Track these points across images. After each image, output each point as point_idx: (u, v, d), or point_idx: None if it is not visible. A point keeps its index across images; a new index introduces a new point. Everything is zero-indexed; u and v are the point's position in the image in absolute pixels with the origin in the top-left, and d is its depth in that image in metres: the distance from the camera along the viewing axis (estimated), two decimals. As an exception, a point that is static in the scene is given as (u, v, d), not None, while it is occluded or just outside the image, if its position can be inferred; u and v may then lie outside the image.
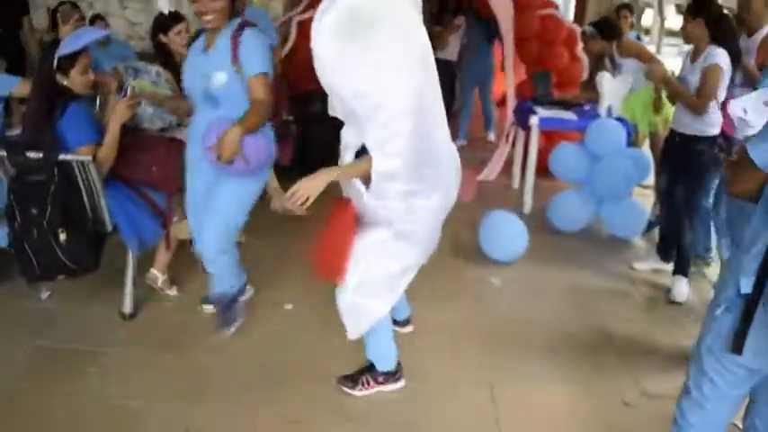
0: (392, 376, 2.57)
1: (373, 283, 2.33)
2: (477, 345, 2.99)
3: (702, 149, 3.41)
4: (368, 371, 2.57)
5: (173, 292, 3.21)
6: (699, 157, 3.42)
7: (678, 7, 21.57)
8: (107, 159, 2.73)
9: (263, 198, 4.43)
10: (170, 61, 3.37)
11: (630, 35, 5.18)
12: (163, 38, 3.37)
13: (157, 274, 3.14)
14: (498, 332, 3.11)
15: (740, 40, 3.16)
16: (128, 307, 2.99)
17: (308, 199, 2.08)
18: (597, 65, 4.67)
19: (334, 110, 2.26)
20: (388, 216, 2.24)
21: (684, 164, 3.50)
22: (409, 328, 3.00)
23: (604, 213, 4.40)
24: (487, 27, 6.36)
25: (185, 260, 3.46)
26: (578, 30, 5.43)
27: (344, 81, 2.04)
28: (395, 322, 2.94)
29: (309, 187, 2.10)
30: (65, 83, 2.69)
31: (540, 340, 3.05)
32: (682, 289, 3.56)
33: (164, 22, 3.37)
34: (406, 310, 2.99)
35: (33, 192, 2.58)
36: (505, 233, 3.95)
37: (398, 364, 2.60)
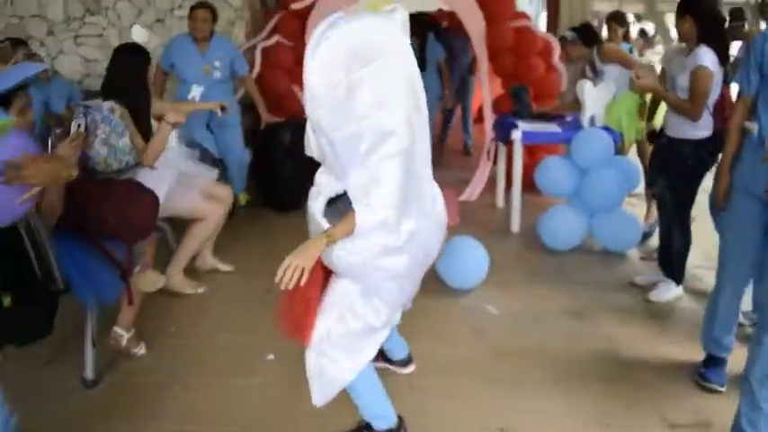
0: (394, 432, 2.28)
1: (334, 343, 2.10)
2: (482, 383, 2.72)
3: (687, 153, 3.28)
4: (366, 429, 2.27)
5: (141, 350, 2.89)
6: (685, 161, 3.29)
7: (637, 16, 22.03)
8: (53, 210, 2.43)
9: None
10: (145, 98, 3.15)
11: (623, 47, 5.00)
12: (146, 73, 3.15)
13: (122, 333, 2.82)
14: (503, 367, 2.84)
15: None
16: (90, 372, 2.66)
17: (303, 272, 1.88)
18: (578, 72, 4.50)
19: (310, 149, 2.03)
20: (361, 272, 2.03)
21: (671, 167, 3.38)
22: (410, 368, 2.73)
23: (596, 227, 4.21)
24: (444, 45, 6.21)
25: (158, 311, 3.17)
26: (553, 40, 5.27)
27: (334, 117, 1.84)
28: (392, 362, 2.69)
29: (303, 260, 1.89)
30: None
31: (549, 372, 2.80)
32: (665, 293, 3.49)
33: (148, 56, 3.21)
34: (404, 348, 2.72)
35: (-31, 251, 2.26)
36: (465, 259, 3.61)
37: (399, 418, 2.30)
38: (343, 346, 2.11)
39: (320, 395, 2.15)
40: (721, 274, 2.69)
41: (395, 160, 1.89)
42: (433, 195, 2.14)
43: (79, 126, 2.60)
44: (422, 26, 5.90)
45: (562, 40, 4.65)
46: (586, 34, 4.44)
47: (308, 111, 1.85)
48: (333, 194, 2.01)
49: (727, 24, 3.07)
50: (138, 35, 3.21)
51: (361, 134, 1.85)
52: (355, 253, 1.98)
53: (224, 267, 3.77)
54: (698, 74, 3.12)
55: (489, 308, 3.40)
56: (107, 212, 2.58)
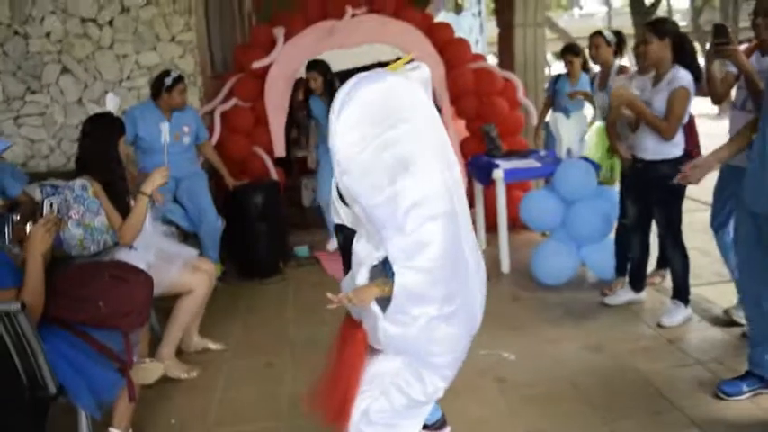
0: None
1: (373, 421, 1.93)
2: (522, 436, 2.53)
3: (668, 173, 3.27)
4: None
5: (141, 451, 2.57)
6: (665, 181, 3.29)
7: (556, 54, 23.09)
8: (34, 305, 2.13)
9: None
10: (121, 172, 2.89)
11: (582, 78, 5.03)
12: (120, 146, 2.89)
13: (119, 434, 2.49)
14: (539, 416, 2.66)
15: (753, 59, 3.04)
16: (89, 486, 2.32)
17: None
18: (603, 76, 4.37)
19: (339, 217, 1.94)
20: (410, 345, 1.89)
21: (653, 190, 3.36)
22: (446, 431, 2.51)
23: (587, 258, 4.15)
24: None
25: (150, 402, 2.85)
26: (514, 79, 5.31)
27: (363, 182, 1.72)
28: (427, 427, 2.46)
29: (359, 298, 1.83)
30: None
31: (593, 418, 2.63)
32: (675, 315, 3.43)
33: (120, 127, 2.93)
34: (437, 409, 2.50)
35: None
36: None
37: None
38: (383, 424, 1.93)
39: None
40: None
41: (436, 223, 1.79)
42: (477, 261, 2.02)
43: (51, 205, 2.32)
44: None
45: (598, 35, 4.32)
46: (621, 42, 4.32)
47: (337, 177, 1.73)
48: (375, 263, 1.87)
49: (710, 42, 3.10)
50: (112, 104, 2.96)
51: (396, 198, 1.75)
52: (401, 323, 1.83)
53: (214, 346, 3.47)
54: (679, 95, 3.16)
55: (506, 355, 3.23)
56: (97, 296, 2.29)
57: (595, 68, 4.63)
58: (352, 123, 1.67)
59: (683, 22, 17.43)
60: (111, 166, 2.82)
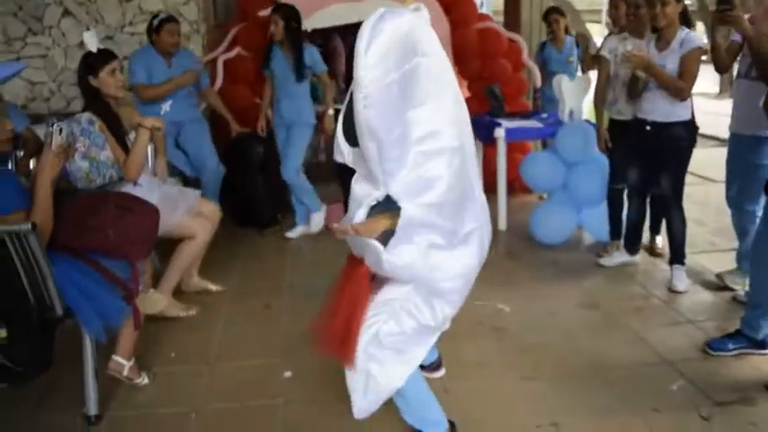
0: (449, 440, 2.12)
1: (383, 344, 1.94)
2: (516, 382, 2.60)
3: (681, 134, 3.34)
4: (420, 437, 2.11)
5: (143, 380, 2.61)
6: (679, 143, 3.33)
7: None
8: (44, 227, 2.16)
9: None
10: (103, 107, 2.83)
11: (567, 39, 5.08)
12: (93, 81, 2.82)
13: (123, 362, 2.53)
14: (533, 363, 2.73)
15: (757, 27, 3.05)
16: (92, 408, 2.36)
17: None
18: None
19: (341, 155, 1.92)
20: (413, 275, 1.92)
21: (663, 154, 3.38)
22: (441, 372, 2.59)
23: (585, 220, 4.20)
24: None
25: (150, 337, 2.90)
26: (519, 40, 5.30)
27: (385, 118, 1.73)
28: (423, 368, 2.50)
29: (365, 228, 1.84)
30: None
31: (581, 365, 2.71)
32: (681, 278, 3.47)
33: (92, 62, 2.82)
34: (433, 352, 2.56)
35: (-45, 280, 1.97)
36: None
37: (451, 423, 2.15)
38: (393, 348, 1.95)
39: (364, 405, 1.97)
40: None
41: (443, 157, 1.84)
42: (482, 202, 2.09)
43: (61, 131, 2.31)
44: None
45: None
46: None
47: (360, 111, 1.71)
48: (374, 203, 1.88)
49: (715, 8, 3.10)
50: (91, 41, 2.90)
51: (408, 131, 1.80)
52: (404, 254, 1.86)
53: (214, 287, 3.51)
54: (694, 55, 3.18)
55: (501, 306, 3.29)
56: (105, 223, 2.32)
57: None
58: (380, 56, 1.68)
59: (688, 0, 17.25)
60: (90, 102, 2.82)
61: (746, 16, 3.12)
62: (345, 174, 2.08)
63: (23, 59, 5.13)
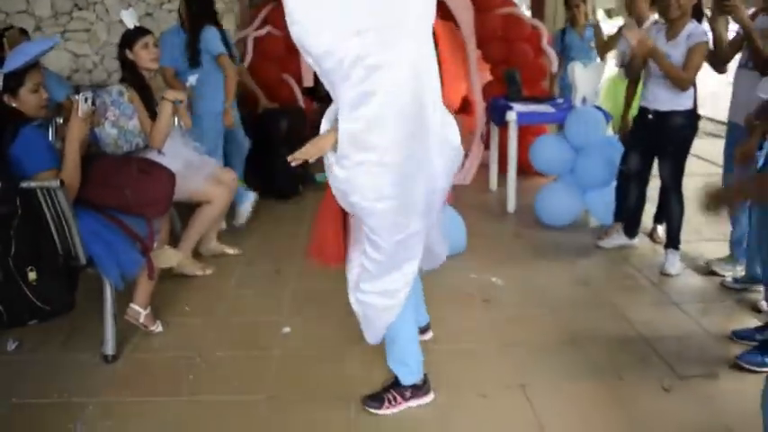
0: (420, 390, 2.34)
1: (365, 278, 2.18)
2: (497, 347, 2.79)
3: (682, 123, 3.42)
4: (393, 387, 2.33)
5: (157, 328, 2.90)
6: (679, 132, 3.42)
7: (608, 12, 22.37)
8: (70, 185, 2.45)
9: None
10: (137, 79, 3.11)
11: (588, 29, 5.13)
12: (129, 54, 3.10)
13: (139, 310, 2.83)
14: (516, 332, 2.92)
15: (759, 21, 3.13)
16: (110, 348, 2.67)
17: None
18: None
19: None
20: (352, 190, 2.02)
21: (664, 141, 3.48)
22: (429, 335, 2.80)
23: (591, 203, 4.32)
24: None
25: (168, 292, 3.19)
26: (541, 26, 5.39)
27: (314, 37, 1.87)
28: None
29: (315, 147, 2.04)
30: (14, 104, 2.42)
31: (560, 336, 2.88)
32: (674, 262, 3.58)
33: (128, 37, 3.11)
34: (425, 316, 2.78)
35: (-7, 228, 2.27)
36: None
37: (425, 376, 2.37)
38: (375, 282, 2.16)
39: (370, 334, 2.28)
40: None
41: (381, 72, 1.89)
42: (443, 121, 2.12)
43: (86, 99, 2.57)
44: None
45: None
46: None
47: (292, 34, 1.89)
48: (334, 116, 2.05)
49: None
50: (128, 18, 3.17)
51: (348, 50, 1.86)
52: (347, 168, 1.99)
53: (231, 251, 3.80)
54: (700, 48, 3.25)
55: (494, 279, 3.48)
56: (125, 184, 2.60)
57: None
58: None
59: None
60: (126, 73, 3.13)
61: (751, 10, 3.20)
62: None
63: (69, 33, 5.48)
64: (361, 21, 1.86)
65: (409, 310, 2.25)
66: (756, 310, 3.09)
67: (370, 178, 1.99)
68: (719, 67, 3.49)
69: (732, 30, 3.51)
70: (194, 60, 3.96)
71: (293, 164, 2.06)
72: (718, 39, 3.32)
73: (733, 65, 3.45)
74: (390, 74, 1.90)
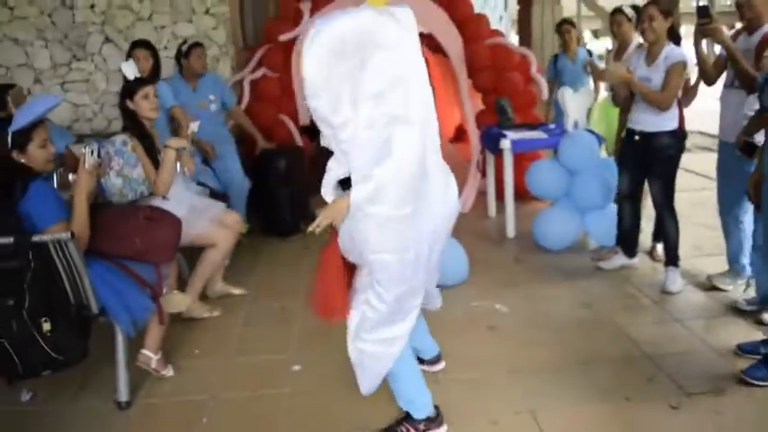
0: (433, 422, 2.36)
1: (367, 328, 2.20)
2: (505, 374, 2.83)
3: (667, 143, 3.51)
4: (406, 420, 2.36)
5: (169, 372, 2.94)
6: (665, 152, 3.51)
7: (594, 33, 22.75)
8: (81, 237, 2.51)
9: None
10: (139, 128, 3.20)
11: (580, 51, 5.27)
12: (130, 104, 3.20)
13: (150, 355, 2.87)
14: (522, 357, 2.96)
15: (741, 40, 3.24)
16: (123, 395, 2.70)
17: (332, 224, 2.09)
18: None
19: (326, 141, 2.14)
20: (364, 245, 2.10)
21: (651, 161, 3.56)
22: (441, 365, 2.84)
23: (589, 225, 4.38)
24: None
25: (177, 335, 3.23)
26: (529, 54, 5.53)
27: (330, 102, 1.96)
28: (423, 362, 2.77)
29: (331, 212, 2.09)
30: (22, 160, 2.49)
31: (567, 359, 2.92)
32: (675, 279, 3.62)
33: (129, 88, 3.21)
34: (434, 347, 2.82)
35: (6, 281, 2.31)
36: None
37: (436, 408, 2.40)
38: (376, 332, 2.19)
39: (366, 384, 2.28)
40: None
41: (396, 129, 1.98)
42: (446, 181, 2.23)
43: (93, 152, 2.65)
44: None
45: (620, 13, 4.40)
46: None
47: (309, 105, 1.99)
48: (341, 176, 2.13)
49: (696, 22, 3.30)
50: (128, 70, 3.29)
51: (358, 118, 1.97)
52: (358, 221, 2.05)
53: (236, 291, 3.85)
54: (676, 69, 3.36)
55: (499, 307, 3.52)
56: (133, 232, 2.66)
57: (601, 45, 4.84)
58: (322, 50, 1.90)
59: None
60: (128, 123, 3.22)
61: (738, 25, 3.31)
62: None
63: (68, 84, 5.60)
64: (377, 85, 1.96)
65: (406, 349, 2.28)
66: (760, 323, 3.13)
67: (382, 231, 2.05)
68: (708, 83, 3.60)
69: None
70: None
71: (316, 231, 2.09)
72: (702, 61, 3.43)
73: (719, 85, 3.55)
74: (402, 131, 1.98)
